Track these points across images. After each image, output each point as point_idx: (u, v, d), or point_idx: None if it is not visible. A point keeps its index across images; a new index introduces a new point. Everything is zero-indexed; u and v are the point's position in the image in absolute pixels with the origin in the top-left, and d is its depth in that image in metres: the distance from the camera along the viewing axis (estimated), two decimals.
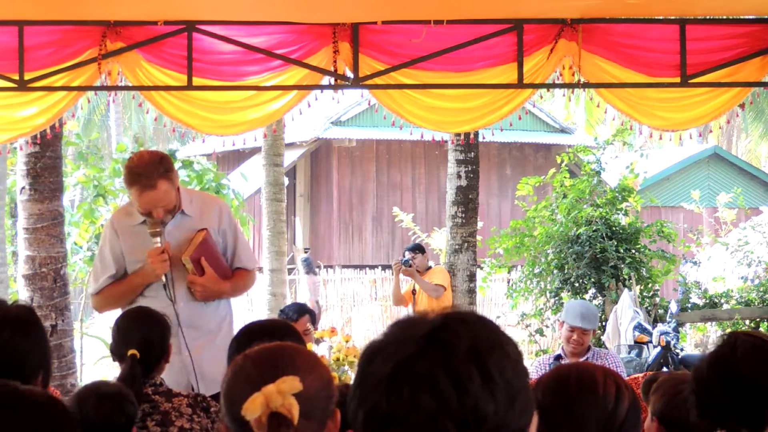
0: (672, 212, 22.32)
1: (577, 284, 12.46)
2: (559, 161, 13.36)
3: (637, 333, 11.08)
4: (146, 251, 5.05)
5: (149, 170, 4.95)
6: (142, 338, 4.01)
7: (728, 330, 12.93)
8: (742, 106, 7.20)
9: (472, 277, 10.78)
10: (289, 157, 20.48)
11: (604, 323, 11.68)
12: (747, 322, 12.80)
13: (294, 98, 7.11)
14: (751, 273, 14.72)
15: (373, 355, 1.61)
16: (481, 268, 12.99)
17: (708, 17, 7.34)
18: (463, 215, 10.67)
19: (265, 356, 2.18)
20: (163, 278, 5.07)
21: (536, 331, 13.12)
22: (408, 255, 10.28)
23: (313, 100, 7.22)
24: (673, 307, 12.00)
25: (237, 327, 4.06)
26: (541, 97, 13.32)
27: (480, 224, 11.52)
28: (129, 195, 5.13)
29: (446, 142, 10.75)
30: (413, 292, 10.30)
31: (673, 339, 11.02)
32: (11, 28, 6.81)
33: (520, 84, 6.99)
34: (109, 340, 4.25)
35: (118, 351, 4.01)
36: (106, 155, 19.62)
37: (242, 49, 6.95)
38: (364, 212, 23.90)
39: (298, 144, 22.75)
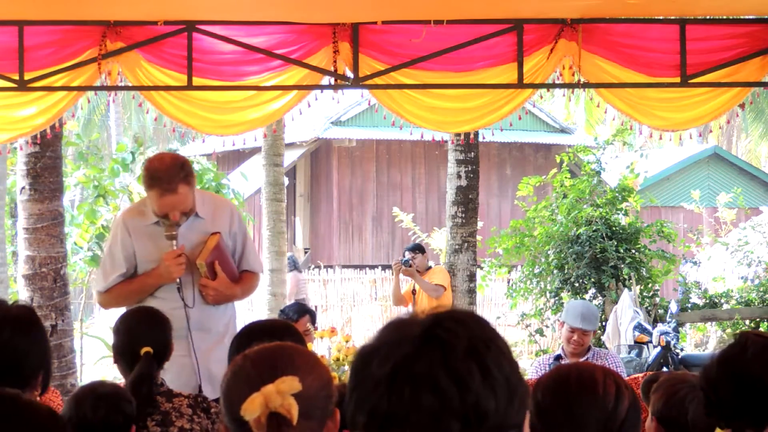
0: (672, 212, 22.32)
1: (577, 284, 12.46)
2: (559, 161, 13.36)
3: (637, 333, 11.08)
4: (159, 252, 5.02)
5: (170, 174, 4.92)
6: (155, 337, 3.99)
7: (728, 330, 12.97)
8: (742, 106, 7.20)
9: (472, 277, 10.78)
10: (289, 157, 20.48)
11: (604, 323, 11.68)
12: (747, 322, 12.80)
13: (294, 98, 7.11)
14: (751, 273, 14.72)
15: (368, 357, 1.60)
16: (481, 268, 12.99)
17: (708, 17, 7.34)
18: (463, 215, 10.67)
19: (265, 356, 2.18)
20: (178, 281, 5.04)
21: (536, 331, 13.12)
22: (408, 255, 10.28)
23: (313, 100, 7.22)
24: (673, 307, 12.00)
25: (239, 327, 4.06)
26: (541, 97, 13.33)
27: (480, 224, 11.52)
28: (147, 196, 5.06)
29: (446, 142, 10.75)
30: (413, 292, 10.30)
31: (673, 339, 11.02)
32: (11, 28, 6.81)
33: (520, 84, 6.99)
34: (109, 340, 4.24)
35: (128, 349, 3.96)
36: (106, 155, 19.61)
37: (242, 49, 6.95)
38: (364, 212, 23.90)
39: (298, 144, 22.75)
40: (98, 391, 3.56)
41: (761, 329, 12.38)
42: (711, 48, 7.03)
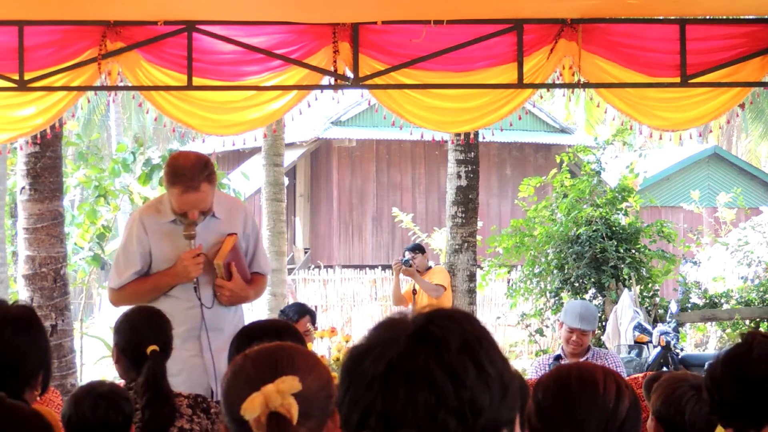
0: (672, 212, 22.32)
1: (577, 284, 12.46)
2: (559, 161, 13.36)
3: (637, 333, 11.08)
4: (175, 251, 4.99)
5: (194, 172, 4.90)
6: (160, 336, 3.98)
7: (728, 330, 12.98)
8: (742, 106, 7.20)
9: (472, 277, 10.78)
10: (289, 157, 20.48)
11: (604, 323, 11.68)
12: (747, 322, 12.80)
13: (294, 98, 7.11)
14: (751, 273, 14.72)
15: (360, 356, 1.61)
16: (481, 268, 12.99)
17: (708, 17, 7.35)
18: (463, 215, 10.68)
19: (265, 356, 2.18)
20: (195, 280, 5.01)
21: (536, 331, 13.12)
22: (408, 255, 10.28)
23: (313, 100, 7.22)
24: (673, 307, 12.00)
25: None
26: (541, 97, 13.33)
27: (480, 224, 11.52)
28: (167, 193, 5.03)
29: (446, 142, 10.75)
30: (413, 292, 10.30)
31: (673, 339, 11.02)
32: (11, 28, 6.81)
33: (520, 84, 6.99)
34: (110, 340, 4.24)
35: (133, 348, 3.94)
36: (106, 155, 19.63)
37: (242, 49, 6.95)
38: (364, 212, 23.90)
39: (298, 144, 22.75)
40: (97, 390, 3.56)
41: (761, 329, 12.38)
42: (711, 48, 7.03)
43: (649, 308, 12.20)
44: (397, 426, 1.54)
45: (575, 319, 6.60)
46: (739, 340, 2.73)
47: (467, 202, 10.68)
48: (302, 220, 24.28)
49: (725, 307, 13.16)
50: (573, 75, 6.95)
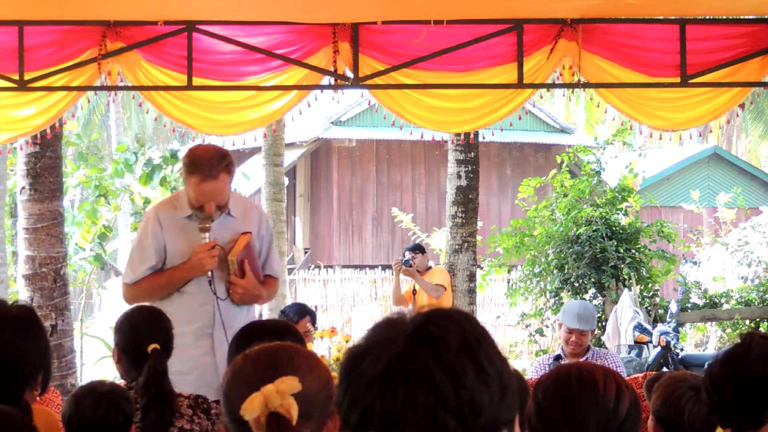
0: (672, 212, 22.32)
1: (577, 284, 12.47)
2: (559, 161, 13.36)
3: (637, 333, 11.08)
4: (190, 246, 4.97)
5: (213, 161, 4.91)
6: (160, 334, 3.98)
7: (728, 330, 12.97)
8: (742, 106, 7.20)
9: (472, 277, 10.78)
10: (289, 157, 20.48)
11: (604, 323, 11.68)
12: (747, 322, 12.80)
13: (294, 98, 7.11)
14: (751, 273, 14.72)
15: (359, 356, 1.61)
16: (481, 268, 13.00)
17: (708, 17, 7.35)
18: (463, 215, 10.68)
19: (265, 356, 2.18)
20: (209, 273, 5.00)
21: (536, 331, 13.12)
22: (408, 255, 10.28)
23: (313, 100, 7.22)
24: (673, 307, 12.00)
25: None
26: (541, 97, 13.32)
27: (480, 224, 11.53)
28: (186, 184, 5.03)
29: (446, 142, 10.75)
30: (413, 292, 10.30)
31: (673, 339, 11.02)
32: (11, 28, 6.81)
33: (520, 84, 6.99)
34: (110, 340, 4.23)
35: (135, 346, 3.93)
36: (106, 155, 19.63)
37: (242, 49, 6.95)
38: (364, 212, 23.90)
39: (298, 144, 22.75)
40: (98, 390, 3.56)
41: (761, 329, 12.38)
42: (711, 48, 7.03)
43: (649, 308, 12.20)
44: (397, 426, 1.54)
45: (574, 319, 6.60)
46: (738, 341, 2.73)
47: (467, 202, 10.68)
48: (302, 220, 24.29)
49: (725, 307, 13.16)
50: (573, 75, 6.95)
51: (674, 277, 13.77)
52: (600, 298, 12.38)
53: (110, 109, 28.40)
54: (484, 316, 17.43)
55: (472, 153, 10.69)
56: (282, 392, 2.00)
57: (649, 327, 11.21)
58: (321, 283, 20.30)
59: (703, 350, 14.60)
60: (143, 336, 3.92)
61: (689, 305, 12.97)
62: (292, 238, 23.53)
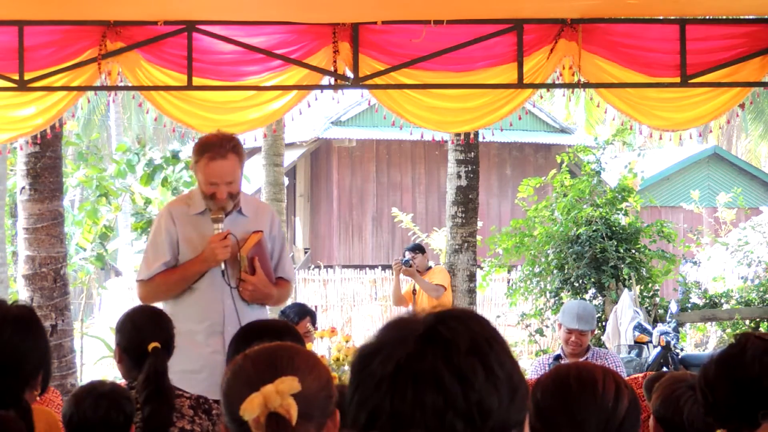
0: (672, 212, 22.31)
1: (577, 284, 12.46)
2: (559, 161, 13.36)
3: (637, 333, 11.08)
4: (203, 242, 4.97)
5: (221, 142, 4.95)
6: (161, 333, 3.98)
7: (728, 330, 12.97)
8: (742, 106, 7.20)
9: (472, 277, 10.78)
10: (289, 157, 20.48)
11: (604, 323, 11.68)
12: (747, 322, 12.80)
13: (294, 98, 7.11)
14: (751, 273, 14.72)
15: (369, 356, 1.60)
16: (481, 268, 12.99)
17: (708, 17, 7.35)
18: (463, 215, 10.67)
19: (264, 356, 2.18)
20: (222, 265, 4.99)
21: (536, 331, 13.12)
22: (408, 255, 10.28)
23: (313, 100, 7.22)
24: (673, 307, 12.00)
25: None
26: (541, 97, 13.31)
27: (480, 224, 11.53)
28: (197, 172, 5.03)
29: (446, 142, 10.74)
30: (413, 292, 10.30)
31: (673, 339, 11.02)
32: (11, 28, 6.81)
33: (520, 84, 6.99)
34: (109, 340, 4.24)
35: (136, 345, 3.92)
36: (106, 155, 19.62)
37: (242, 49, 6.95)
38: (364, 212, 23.89)
39: (298, 144, 22.75)
40: (99, 390, 3.56)
41: (761, 329, 12.38)
42: (711, 48, 7.03)
43: (649, 308, 12.20)
44: (405, 427, 1.54)
45: (573, 319, 6.60)
46: (733, 341, 2.73)
47: (467, 202, 10.68)
48: (302, 220, 24.28)
49: (725, 307, 13.16)
50: (573, 75, 6.95)
51: (674, 277, 13.76)
52: (600, 298, 12.38)
53: (110, 109, 28.38)
54: (484, 316, 17.40)
55: (472, 153, 10.69)
56: (282, 392, 2.00)
57: (649, 327, 11.21)
58: (321, 283, 20.29)
59: (703, 350, 14.59)
60: (145, 336, 3.92)
61: (689, 305, 12.97)
62: (292, 238, 23.53)
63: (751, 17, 7.22)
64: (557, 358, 6.62)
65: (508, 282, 15.57)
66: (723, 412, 2.64)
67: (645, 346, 11.03)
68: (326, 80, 7.10)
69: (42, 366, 3.13)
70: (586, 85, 7.08)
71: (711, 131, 7.93)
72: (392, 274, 10.74)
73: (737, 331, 12.60)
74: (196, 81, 6.93)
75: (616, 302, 11.73)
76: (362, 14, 6.90)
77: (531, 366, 7.01)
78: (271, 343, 2.24)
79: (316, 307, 17.36)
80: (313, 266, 22.06)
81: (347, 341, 6.26)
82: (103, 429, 3.48)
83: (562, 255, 12.54)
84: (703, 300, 13.25)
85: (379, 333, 1.64)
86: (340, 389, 2.28)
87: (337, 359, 6.05)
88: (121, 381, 4.05)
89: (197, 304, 5.02)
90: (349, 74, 7.03)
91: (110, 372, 13.36)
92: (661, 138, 8.31)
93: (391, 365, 1.56)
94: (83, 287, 13.87)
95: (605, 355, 6.85)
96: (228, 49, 6.97)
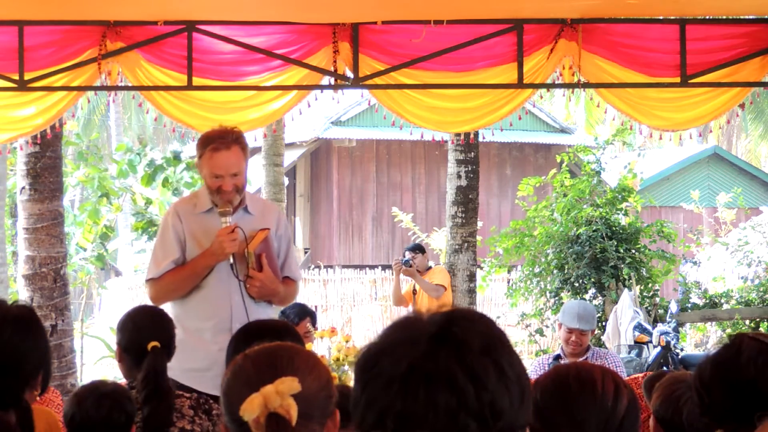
0: (672, 212, 22.31)
1: (577, 284, 12.46)
2: (559, 161, 13.36)
3: (637, 333, 11.08)
4: (209, 239, 4.96)
5: (224, 133, 4.99)
6: (162, 332, 3.98)
7: (728, 330, 12.96)
8: (742, 106, 7.20)
9: (472, 277, 10.78)
10: (289, 157, 20.48)
11: (604, 323, 11.68)
12: (747, 322, 12.79)
13: (294, 98, 7.11)
14: (751, 273, 14.72)
15: (376, 356, 1.59)
16: (481, 268, 12.99)
17: (708, 17, 7.35)
18: (463, 215, 10.67)
19: (264, 356, 2.18)
20: (231, 258, 4.98)
21: (536, 331, 13.12)
22: (408, 255, 10.28)
23: (313, 100, 7.22)
24: (673, 307, 12.00)
25: None
26: (541, 97, 13.31)
27: (480, 224, 11.52)
28: (202, 165, 5.04)
29: (446, 142, 10.75)
30: (413, 292, 10.31)
31: (673, 339, 11.02)
32: (11, 28, 6.81)
33: (520, 84, 6.99)
34: (109, 340, 4.25)
35: (136, 345, 3.93)
36: (106, 155, 19.62)
37: (242, 49, 6.95)
38: (364, 212, 23.89)
39: (298, 144, 22.74)
40: (100, 389, 3.56)
41: (761, 329, 12.38)
42: (711, 48, 7.03)
43: (649, 308, 12.19)
44: (415, 427, 1.53)
45: (573, 319, 6.60)
46: (728, 342, 2.73)
47: (467, 202, 10.68)
48: (302, 220, 24.28)
49: (725, 307, 13.15)
50: (573, 75, 6.95)
51: (674, 277, 13.76)
52: (600, 298, 12.38)
53: (110, 109, 28.39)
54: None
55: (472, 153, 10.69)
56: (281, 393, 2.00)
57: (649, 327, 11.21)
58: (321, 283, 20.28)
59: (703, 350, 14.59)
60: (145, 335, 3.92)
61: (689, 305, 12.96)
62: (292, 238, 23.51)
63: (751, 17, 7.22)
64: (557, 358, 6.62)
65: (508, 282, 15.57)
66: (719, 414, 2.64)
67: (645, 346, 11.03)
68: (326, 80, 7.10)
69: (42, 366, 3.13)
70: (586, 85, 7.08)
71: (711, 131, 7.93)
72: (392, 274, 10.74)
73: (737, 331, 12.60)
74: (196, 81, 6.93)
75: (616, 302, 11.73)
76: (362, 14, 6.90)
77: (531, 366, 7.01)
78: (271, 344, 2.24)
79: (316, 307, 17.36)
80: (313, 266, 22.06)
81: (347, 341, 6.25)
82: (105, 429, 3.48)
83: (562, 255, 12.54)
84: (703, 300, 13.25)
85: (385, 333, 1.63)
86: (340, 389, 2.28)
87: (337, 359, 6.04)
88: (122, 381, 4.05)
89: (204, 301, 5.02)
90: (349, 74, 7.03)
91: (110, 372, 13.35)
92: (661, 138, 8.31)
93: (403, 365, 1.56)
94: (83, 287, 13.87)
95: (605, 355, 6.85)
96: (228, 49, 6.97)
